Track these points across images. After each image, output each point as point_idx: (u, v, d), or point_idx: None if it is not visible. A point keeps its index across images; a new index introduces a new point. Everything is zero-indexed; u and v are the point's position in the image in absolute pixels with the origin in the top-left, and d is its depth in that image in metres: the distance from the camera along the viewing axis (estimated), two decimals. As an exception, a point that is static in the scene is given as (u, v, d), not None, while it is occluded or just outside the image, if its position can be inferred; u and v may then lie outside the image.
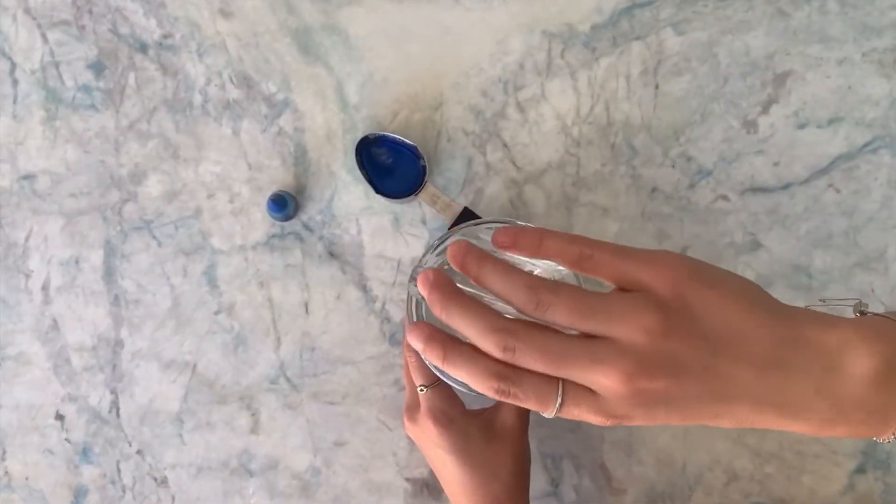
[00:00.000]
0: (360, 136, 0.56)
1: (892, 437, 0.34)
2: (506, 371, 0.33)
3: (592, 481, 0.56)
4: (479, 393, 0.47)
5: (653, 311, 0.32)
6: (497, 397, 0.34)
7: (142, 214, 0.58)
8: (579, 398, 0.33)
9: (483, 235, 0.47)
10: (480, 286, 0.35)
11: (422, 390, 0.49)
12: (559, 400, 0.33)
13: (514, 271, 0.34)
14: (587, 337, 0.33)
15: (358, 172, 0.56)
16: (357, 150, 0.56)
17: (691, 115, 0.57)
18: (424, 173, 0.56)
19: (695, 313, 0.33)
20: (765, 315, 0.33)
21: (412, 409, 0.51)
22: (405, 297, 0.54)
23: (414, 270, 0.47)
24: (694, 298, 0.33)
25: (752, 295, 0.34)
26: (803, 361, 0.33)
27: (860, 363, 0.33)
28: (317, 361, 0.57)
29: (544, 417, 0.34)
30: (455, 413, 0.49)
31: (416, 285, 0.36)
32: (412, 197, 0.56)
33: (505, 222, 0.48)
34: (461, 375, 0.34)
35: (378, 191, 0.56)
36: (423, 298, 0.35)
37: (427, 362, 0.48)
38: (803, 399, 0.33)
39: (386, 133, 0.56)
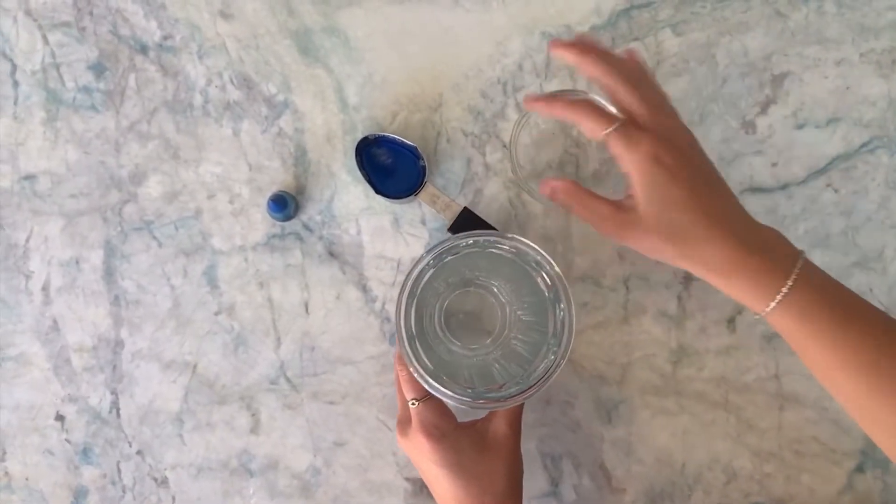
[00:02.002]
0: (359, 136, 0.57)
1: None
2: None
3: (592, 481, 0.56)
4: (469, 407, 0.47)
5: None
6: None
7: (142, 215, 0.58)
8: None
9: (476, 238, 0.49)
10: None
11: (413, 404, 0.48)
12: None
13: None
14: None
15: (358, 173, 0.56)
16: (357, 150, 0.56)
17: (690, 116, 0.57)
18: (424, 174, 0.56)
19: None
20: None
21: (404, 423, 0.50)
22: (395, 305, 0.52)
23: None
24: None
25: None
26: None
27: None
28: (317, 361, 0.57)
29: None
30: (447, 427, 0.48)
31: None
32: (412, 197, 0.56)
33: (494, 229, 0.49)
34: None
35: (378, 191, 0.56)
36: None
37: (416, 376, 0.47)
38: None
39: (385, 134, 0.56)
